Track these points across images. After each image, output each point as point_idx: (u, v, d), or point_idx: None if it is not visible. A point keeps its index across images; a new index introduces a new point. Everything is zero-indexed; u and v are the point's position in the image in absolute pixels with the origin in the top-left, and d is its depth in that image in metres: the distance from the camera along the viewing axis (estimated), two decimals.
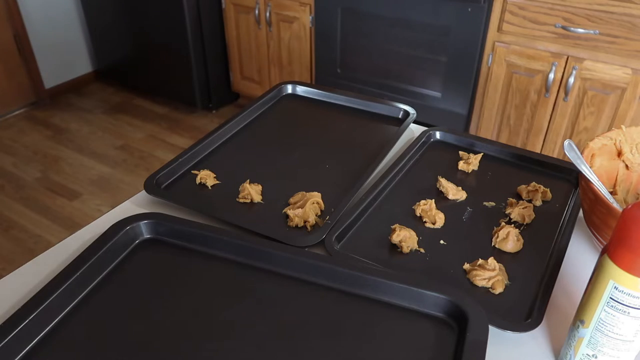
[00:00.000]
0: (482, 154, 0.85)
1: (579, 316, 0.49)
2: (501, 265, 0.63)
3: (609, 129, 0.76)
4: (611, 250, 0.45)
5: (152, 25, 2.61)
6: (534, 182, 0.77)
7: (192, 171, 0.80)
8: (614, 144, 0.73)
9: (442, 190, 0.77)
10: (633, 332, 0.46)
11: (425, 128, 0.92)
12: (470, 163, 0.83)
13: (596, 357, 0.49)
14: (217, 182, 0.78)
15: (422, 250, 0.67)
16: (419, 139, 0.88)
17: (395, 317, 0.57)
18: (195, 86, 2.65)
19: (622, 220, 0.43)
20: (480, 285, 0.62)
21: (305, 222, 0.70)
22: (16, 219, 2.08)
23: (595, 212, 0.62)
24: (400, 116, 0.97)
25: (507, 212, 0.73)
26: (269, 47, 2.44)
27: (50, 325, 0.54)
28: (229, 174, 0.80)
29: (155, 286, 0.60)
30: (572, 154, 0.66)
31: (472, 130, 2.06)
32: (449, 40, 1.92)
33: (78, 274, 0.58)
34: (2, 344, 0.50)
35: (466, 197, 0.77)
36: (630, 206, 0.43)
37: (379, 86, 2.20)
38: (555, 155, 1.88)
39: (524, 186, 0.77)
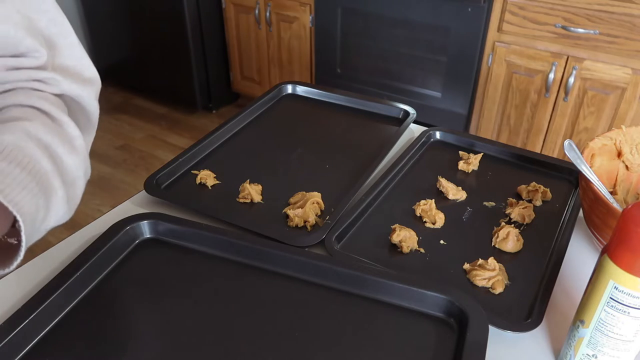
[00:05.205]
0: (482, 154, 0.85)
1: (579, 316, 0.49)
2: (501, 265, 0.63)
3: (609, 129, 0.76)
4: (611, 250, 0.45)
5: (152, 25, 2.61)
6: (534, 182, 0.77)
7: (192, 171, 0.80)
8: (614, 144, 0.73)
9: (442, 190, 0.77)
10: (633, 332, 0.46)
11: (425, 128, 0.92)
12: (470, 163, 0.83)
13: (596, 357, 0.49)
14: (217, 182, 0.78)
15: (422, 250, 0.67)
16: (419, 139, 0.88)
17: (395, 317, 0.57)
18: (195, 86, 2.65)
19: (622, 220, 0.43)
20: (480, 285, 0.62)
21: (305, 222, 0.70)
22: None
23: (595, 212, 0.62)
24: (400, 116, 0.96)
25: (507, 212, 0.73)
26: (269, 47, 2.44)
27: (51, 325, 0.54)
28: (229, 174, 0.80)
29: (155, 286, 0.60)
30: (572, 154, 0.66)
31: (472, 130, 2.06)
32: (449, 40, 1.92)
33: (78, 273, 0.58)
34: (2, 343, 0.50)
35: (466, 197, 0.77)
36: (630, 206, 0.44)
37: (379, 86, 2.20)
38: (555, 155, 1.88)
39: (524, 186, 0.77)
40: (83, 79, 0.55)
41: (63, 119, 0.50)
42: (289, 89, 1.04)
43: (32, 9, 0.51)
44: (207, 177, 0.78)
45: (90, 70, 0.56)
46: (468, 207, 0.75)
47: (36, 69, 0.51)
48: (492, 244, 0.68)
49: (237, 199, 0.75)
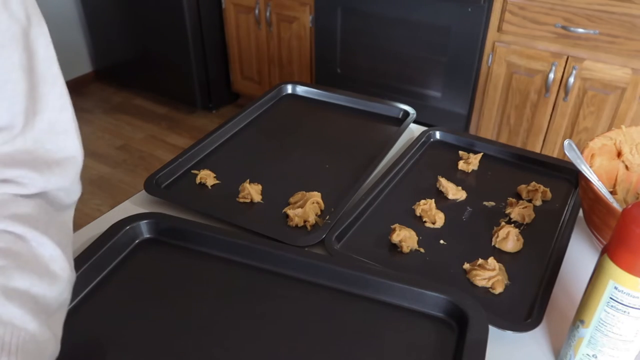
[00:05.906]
0: (482, 153, 0.85)
1: (579, 316, 0.49)
2: (501, 265, 0.63)
3: (609, 129, 0.76)
4: (611, 250, 0.45)
5: (152, 25, 2.61)
6: (534, 182, 0.77)
7: (192, 171, 0.80)
8: (614, 144, 0.73)
9: (442, 190, 0.77)
10: (633, 332, 0.46)
11: (425, 128, 0.92)
12: (470, 163, 0.83)
13: (596, 357, 0.49)
14: (217, 182, 0.78)
15: (422, 250, 0.67)
16: (419, 139, 0.88)
17: (395, 317, 0.57)
18: (195, 86, 2.65)
19: (622, 220, 0.43)
20: (480, 285, 0.62)
21: (305, 221, 0.70)
22: None
23: (595, 212, 0.62)
24: (400, 116, 0.96)
25: (507, 211, 0.73)
26: (269, 47, 2.43)
27: None
28: (229, 174, 0.80)
29: (155, 286, 0.60)
30: (572, 154, 0.66)
31: (472, 130, 2.05)
32: (449, 40, 1.92)
33: (78, 273, 0.58)
34: None
35: (466, 197, 0.77)
36: (630, 206, 0.43)
37: (379, 86, 2.20)
38: (555, 155, 1.88)
39: (524, 186, 0.77)
40: (64, 159, 0.43)
41: (37, 240, 0.39)
42: (289, 89, 1.04)
43: (36, 57, 0.41)
44: (207, 177, 0.78)
45: (74, 146, 0.44)
46: (468, 207, 0.75)
47: (2, 158, 0.39)
48: (492, 244, 0.68)
49: (237, 199, 0.75)
